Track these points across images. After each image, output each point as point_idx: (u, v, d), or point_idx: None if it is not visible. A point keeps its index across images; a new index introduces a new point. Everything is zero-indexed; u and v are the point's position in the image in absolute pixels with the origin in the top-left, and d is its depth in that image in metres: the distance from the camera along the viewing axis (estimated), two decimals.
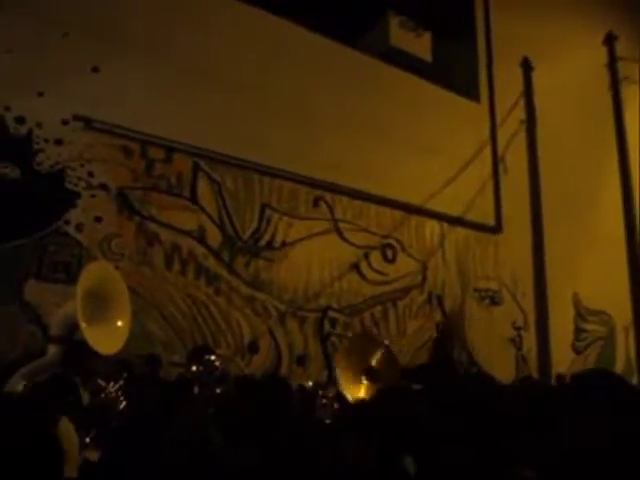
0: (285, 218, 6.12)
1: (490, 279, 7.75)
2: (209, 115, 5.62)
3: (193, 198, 5.63)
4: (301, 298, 6.04)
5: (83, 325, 3.40)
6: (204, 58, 5.78)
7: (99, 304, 3.64)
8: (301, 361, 5.93)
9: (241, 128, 5.80)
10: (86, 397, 3.28)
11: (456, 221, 7.52)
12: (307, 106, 6.39)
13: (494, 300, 7.76)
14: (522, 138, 8.46)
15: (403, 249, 7.03)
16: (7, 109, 4.91)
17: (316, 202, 6.40)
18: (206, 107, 5.62)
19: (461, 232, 7.60)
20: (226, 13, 6.04)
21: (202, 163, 5.71)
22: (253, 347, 5.63)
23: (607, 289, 8.51)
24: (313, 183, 6.38)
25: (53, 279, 4.88)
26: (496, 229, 7.94)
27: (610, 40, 9.82)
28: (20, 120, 4.99)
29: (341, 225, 6.55)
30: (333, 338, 6.24)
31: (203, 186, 5.71)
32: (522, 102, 8.59)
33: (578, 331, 8.65)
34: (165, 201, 5.46)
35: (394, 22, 7.74)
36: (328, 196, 6.48)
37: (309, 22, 6.63)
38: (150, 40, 5.54)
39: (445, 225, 7.45)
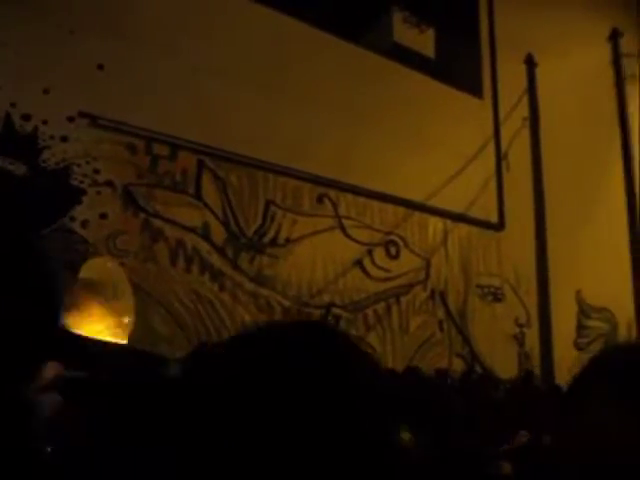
0: (289, 215, 6.15)
1: (493, 276, 7.78)
2: (214, 112, 5.64)
3: (197, 195, 5.67)
4: (305, 294, 6.08)
5: (85, 319, 3.44)
6: (208, 55, 5.79)
7: (102, 299, 3.68)
8: None
9: (245, 125, 5.82)
10: None
11: (459, 218, 7.54)
12: (311, 102, 6.40)
13: (497, 297, 7.78)
14: (525, 135, 8.46)
15: (406, 246, 7.05)
16: (13, 106, 4.94)
17: (320, 199, 6.44)
18: (211, 104, 5.64)
19: (464, 229, 7.62)
20: (232, 10, 6.05)
21: (207, 160, 5.75)
22: None
23: (610, 286, 8.52)
24: (317, 180, 6.41)
25: None
26: (499, 226, 7.95)
27: (615, 36, 9.80)
28: (26, 117, 5.02)
29: (345, 222, 6.58)
30: None
31: (207, 183, 5.74)
32: (526, 99, 8.59)
33: (581, 328, 8.68)
34: (170, 198, 5.49)
35: (397, 18, 7.74)
36: (332, 193, 6.51)
37: (313, 19, 6.64)
38: (156, 37, 5.56)
39: (448, 222, 7.47)
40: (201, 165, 5.72)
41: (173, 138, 5.52)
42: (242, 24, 6.07)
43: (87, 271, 3.83)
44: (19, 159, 5.00)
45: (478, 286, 7.63)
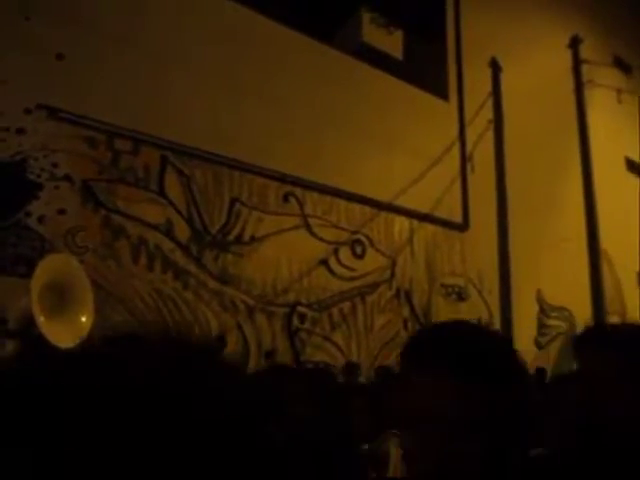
0: (255, 213, 6.09)
1: (457, 275, 7.88)
2: (178, 108, 5.53)
3: (161, 191, 5.55)
4: (270, 293, 6.03)
5: (41, 319, 3.33)
6: (173, 48, 5.68)
7: (59, 297, 3.56)
8: (269, 356, 5.92)
9: (211, 121, 5.73)
10: None
11: (424, 218, 7.61)
12: (278, 101, 6.36)
13: (461, 296, 7.89)
14: (490, 137, 8.61)
15: (372, 245, 7.08)
16: None
17: (286, 197, 6.40)
18: (175, 99, 5.53)
19: (429, 229, 7.70)
20: (200, 4, 5.95)
21: (171, 156, 5.63)
22: (220, 342, 5.59)
23: (569, 286, 8.76)
24: (283, 178, 6.36)
25: (13, 272, 4.74)
26: (463, 226, 8.07)
27: (575, 43, 10.07)
28: None
29: (311, 220, 6.55)
30: (302, 333, 6.25)
31: (171, 179, 5.63)
32: (490, 102, 8.74)
33: (541, 326, 8.88)
34: (132, 194, 5.36)
35: (366, 18, 7.76)
36: (298, 191, 6.47)
37: (282, 17, 6.60)
38: (118, 27, 5.41)
39: (414, 221, 7.53)
40: (165, 161, 5.60)
41: (136, 133, 5.38)
42: (210, 19, 5.97)
43: (44, 268, 3.70)
44: None
45: (442, 285, 7.72)
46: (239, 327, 5.77)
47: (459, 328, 0.88)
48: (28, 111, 4.99)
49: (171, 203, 5.58)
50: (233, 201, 5.99)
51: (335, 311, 6.58)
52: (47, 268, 3.57)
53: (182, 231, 5.59)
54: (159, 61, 5.58)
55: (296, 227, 6.39)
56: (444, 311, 7.61)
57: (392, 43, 7.97)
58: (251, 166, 6.12)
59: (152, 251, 5.37)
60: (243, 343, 5.76)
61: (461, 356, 0.81)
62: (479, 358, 0.82)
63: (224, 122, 5.81)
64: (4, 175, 4.94)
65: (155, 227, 5.43)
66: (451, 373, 0.80)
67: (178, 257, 5.52)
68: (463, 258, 7.96)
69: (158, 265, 5.40)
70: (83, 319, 3.66)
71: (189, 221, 5.66)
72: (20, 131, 4.96)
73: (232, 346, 5.66)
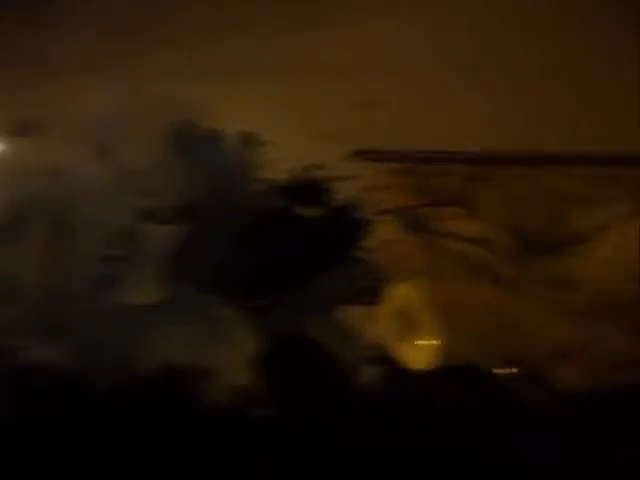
0: (576, 207, 5.48)
1: None
2: (471, 119, 5.50)
3: (473, 204, 5.57)
4: (613, 294, 5.27)
5: (394, 343, 3.74)
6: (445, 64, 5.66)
7: (408, 323, 3.94)
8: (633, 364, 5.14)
9: (505, 122, 5.46)
10: None
11: None
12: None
13: None
14: None
15: None
16: (307, 160, 5.75)
17: (615, 181, 5.54)
18: (465, 112, 5.51)
19: None
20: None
21: (476, 168, 5.62)
22: (565, 352, 5.18)
23: None
24: (612, 159, 5.53)
25: (361, 302, 5.46)
26: None
27: None
28: (319, 167, 5.79)
29: None
30: None
31: (482, 191, 5.59)
32: None
33: None
34: (446, 213, 5.55)
35: None
36: (625, 171, 5.51)
37: None
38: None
39: None
40: (471, 174, 5.62)
41: (437, 153, 5.59)
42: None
43: (392, 298, 4.15)
44: (317, 205, 5.83)
45: None
46: (578, 334, 5.22)
47: None
48: (350, 159, 5.77)
49: (486, 215, 5.54)
50: (552, 199, 5.53)
51: None
52: (394, 297, 4.02)
53: (502, 241, 5.47)
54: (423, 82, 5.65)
55: (629, 215, 5.44)
56: None
57: None
58: (569, 155, 5.55)
59: (475, 265, 5.42)
60: (585, 352, 5.18)
61: None
62: None
63: (523, 118, 5.46)
64: (342, 218, 5.83)
65: (474, 240, 5.47)
66: None
67: (502, 267, 5.41)
68: None
69: (484, 278, 5.40)
70: (432, 342, 3.95)
71: (507, 229, 5.50)
72: (346, 178, 5.77)
73: (579, 355, 5.15)
